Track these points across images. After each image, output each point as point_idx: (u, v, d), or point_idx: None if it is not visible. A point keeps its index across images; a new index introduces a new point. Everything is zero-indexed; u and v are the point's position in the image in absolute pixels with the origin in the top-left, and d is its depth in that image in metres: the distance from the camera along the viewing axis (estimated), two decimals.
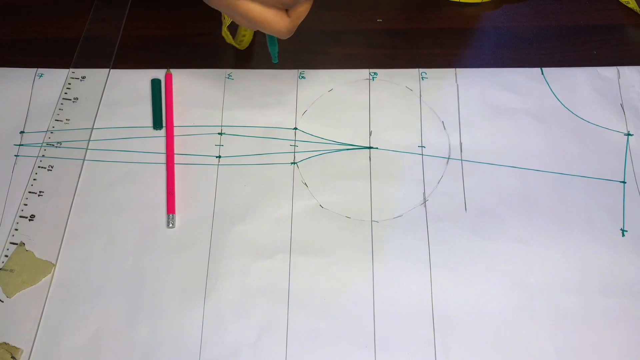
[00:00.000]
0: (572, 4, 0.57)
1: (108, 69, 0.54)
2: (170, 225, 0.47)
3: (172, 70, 0.53)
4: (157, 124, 0.51)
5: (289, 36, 0.43)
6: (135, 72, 0.54)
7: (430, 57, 0.54)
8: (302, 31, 0.55)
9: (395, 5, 0.57)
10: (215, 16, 0.55)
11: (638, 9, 0.56)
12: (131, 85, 0.53)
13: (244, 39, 0.53)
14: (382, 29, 0.56)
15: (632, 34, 0.55)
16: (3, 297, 0.45)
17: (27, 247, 0.47)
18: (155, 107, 0.52)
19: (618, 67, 0.53)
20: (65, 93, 0.52)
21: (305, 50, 0.55)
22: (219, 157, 0.50)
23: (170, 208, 0.48)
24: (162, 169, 0.50)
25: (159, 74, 0.53)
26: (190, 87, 0.53)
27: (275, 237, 0.47)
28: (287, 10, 0.42)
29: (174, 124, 0.51)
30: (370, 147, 0.50)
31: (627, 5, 0.56)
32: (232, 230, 0.47)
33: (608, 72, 0.53)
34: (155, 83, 0.53)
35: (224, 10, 0.41)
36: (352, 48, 0.55)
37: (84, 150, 0.50)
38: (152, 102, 0.52)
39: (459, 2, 0.57)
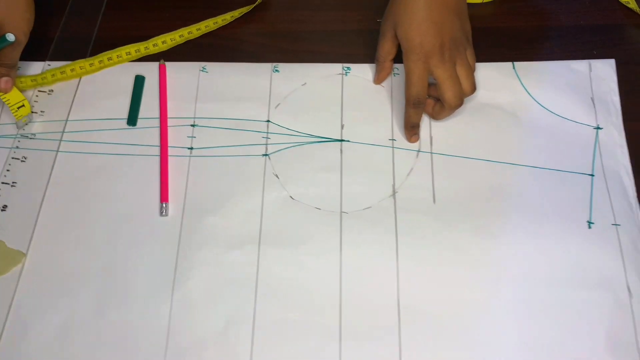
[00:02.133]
0: (572, 4, 0.57)
1: None
2: (164, 214, 0.48)
3: (147, 64, 0.54)
4: (131, 121, 0.51)
5: None
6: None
7: None
8: (302, 31, 0.56)
9: None
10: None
11: (638, 9, 0.56)
12: (107, 78, 0.54)
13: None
14: None
15: (632, 34, 0.56)
16: None
17: None
18: (134, 103, 0.52)
19: (590, 60, 0.53)
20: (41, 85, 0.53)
21: (305, 50, 0.55)
22: (191, 148, 0.50)
23: (164, 196, 0.48)
24: (136, 160, 0.50)
25: (137, 67, 0.54)
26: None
27: (245, 228, 0.47)
28: None
29: (166, 116, 0.52)
30: (342, 140, 0.51)
31: (627, 5, 0.57)
32: (202, 221, 0.48)
33: (580, 66, 0.53)
34: (139, 80, 0.53)
35: None
36: (352, 48, 0.55)
37: (58, 141, 0.51)
38: (132, 98, 0.52)
39: None
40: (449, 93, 0.48)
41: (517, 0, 0.58)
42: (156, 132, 0.51)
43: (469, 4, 0.57)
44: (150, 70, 0.54)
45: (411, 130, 0.50)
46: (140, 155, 0.50)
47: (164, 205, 0.48)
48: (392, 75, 0.53)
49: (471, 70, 0.49)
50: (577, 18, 0.57)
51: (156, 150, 0.50)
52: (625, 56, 0.54)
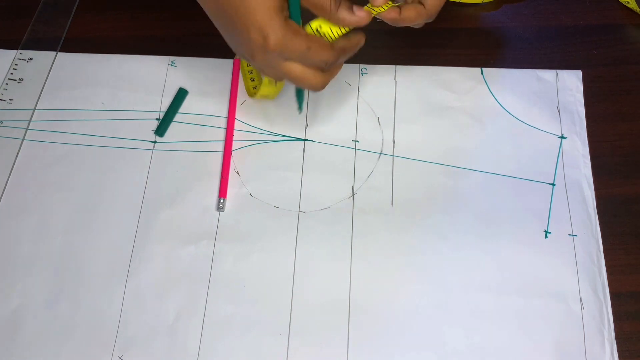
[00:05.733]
0: (572, 4, 0.57)
1: (55, 52, 0.55)
2: (220, 207, 0.48)
3: (119, 56, 0.54)
4: (160, 131, 0.51)
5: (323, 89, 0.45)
6: (81, 56, 0.54)
7: (429, 56, 0.54)
8: None
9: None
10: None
11: (638, 9, 0.56)
12: (77, 68, 0.54)
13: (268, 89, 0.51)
14: (383, 29, 0.56)
15: (632, 34, 0.56)
16: None
17: None
18: (169, 115, 0.51)
19: (557, 70, 0.53)
20: (11, 73, 0.53)
21: None
22: (155, 142, 0.51)
23: (222, 192, 0.48)
24: (101, 150, 0.50)
25: (106, 58, 0.54)
26: (132, 72, 0.53)
27: (202, 223, 0.48)
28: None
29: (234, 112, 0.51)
30: (305, 139, 0.51)
31: (627, 5, 0.57)
32: (160, 214, 0.48)
33: (547, 75, 0.53)
34: (181, 93, 0.52)
35: (266, 70, 0.43)
36: None
37: (24, 130, 0.51)
38: (169, 109, 0.52)
39: (459, 2, 0.57)
40: None
41: (517, 0, 0.58)
42: (118, 124, 0.51)
43: (469, 4, 0.57)
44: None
45: None
46: (105, 147, 0.51)
47: (221, 200, 0.48)
48: (360, 74, 0.53)
49: None
50: (577, 18, 0.57)
51: (120, 142, 0.51)
52: (625, 56, 0.54)
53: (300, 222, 0.48)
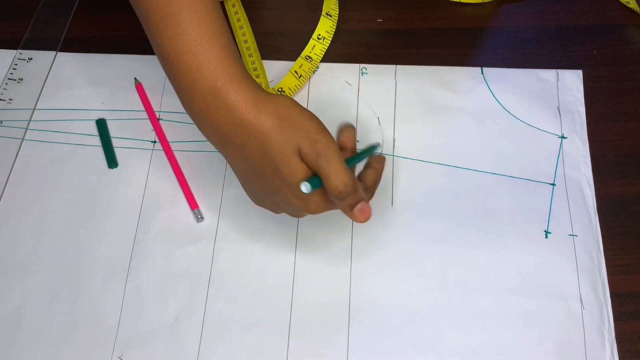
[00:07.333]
0: (572, 4, 0.57)
1: (55, 52, 0.55)
2: (199, 219, 0.47)
3: (119, 56, 0.54)
4: (111, 163, 0.50)
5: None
6: (81, 56, 0.54)
7: (429, 56, 0.54)
8: (302, 31, 0.56)
9: (395, 5, 0.57)
10: None
11: (638, 9, 0.56)
12: (76, 68, 0.54)
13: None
14: (383, 29, 0.56)
15: (632, 34, 0.56)
16: None
17: None
18: (106, 146, 0.50)
19: (558, 70, 0.53)
20: (11, 73, 0.53)
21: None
22: (154, 142, 0.51)
23: (192, 204, 0.48)
24: (101, 150, 0.50)
25: (106, 58, 0.54)
26: (129, 73, 0.53)
27: (202, 223, 0.48)
28: None
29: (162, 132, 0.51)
30: None
31: (627, 5, 0.57)
32: (159, 214, 0.48)
33: (547, 75, 0.53)
34: (101, 123, 0.51)
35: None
36: (352, 48, 0.55)
37: (24, 130, 0.51)
38: (102, 142, 0.51)
39: (459, 2, 0.57)
40: None
41: (517, 0, 0.58)
42: (117, 123, 0.51)
43: (469, 4, 0.57)
44: (130, 62, 0.54)
45: None
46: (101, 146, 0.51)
47: (196, 211, 0.48)
48: (360, 74, 0.53)
49: None
50: (577, 18, 0.57)
51: (120, 142, 0.51)
52: (625, 56, 0.55)
53: (300, 222, 0.48)
